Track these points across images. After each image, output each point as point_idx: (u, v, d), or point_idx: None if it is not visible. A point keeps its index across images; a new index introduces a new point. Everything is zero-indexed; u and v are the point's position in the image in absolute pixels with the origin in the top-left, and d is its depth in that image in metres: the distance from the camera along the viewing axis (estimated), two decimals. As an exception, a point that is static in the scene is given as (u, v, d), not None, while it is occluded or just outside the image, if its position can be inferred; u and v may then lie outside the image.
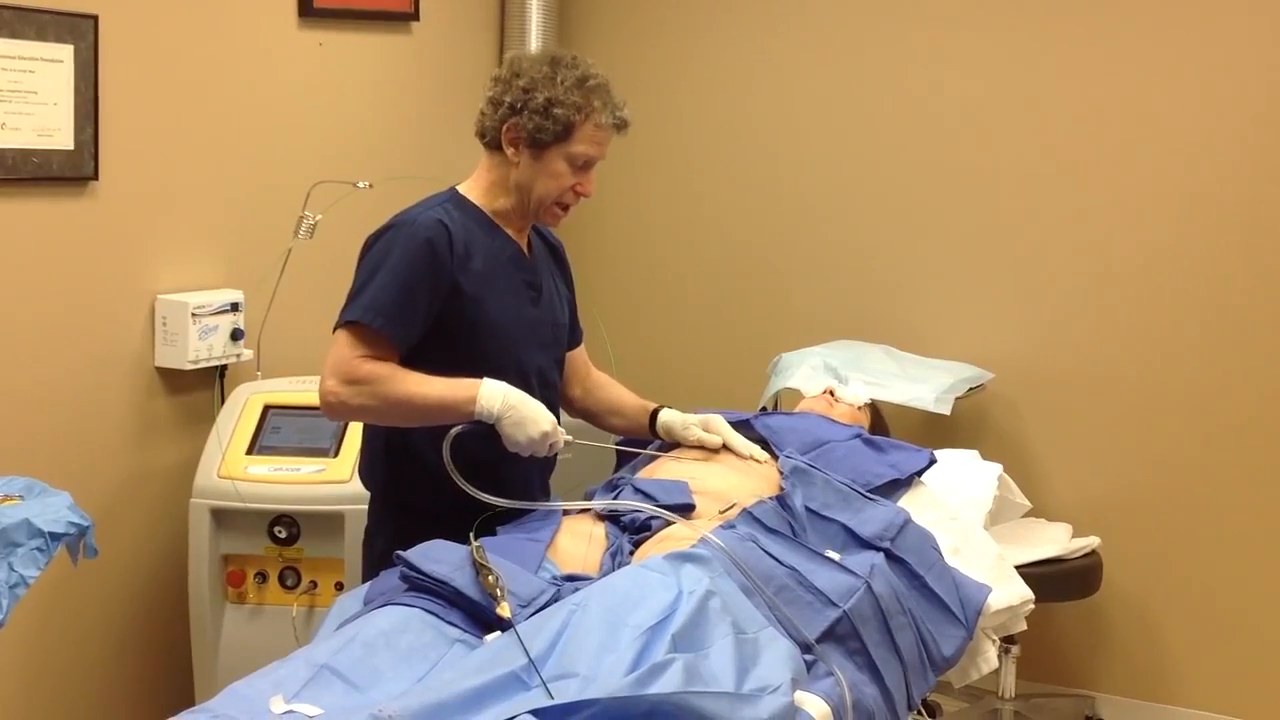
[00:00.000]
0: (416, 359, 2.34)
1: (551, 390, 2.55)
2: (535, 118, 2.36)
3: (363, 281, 2.34)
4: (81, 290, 3.16)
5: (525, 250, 2.52)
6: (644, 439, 2.68)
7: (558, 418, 2.53)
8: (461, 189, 2.48)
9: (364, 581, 2.32)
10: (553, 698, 1.60)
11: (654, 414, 2.64)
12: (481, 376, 2.33)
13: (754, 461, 2.52)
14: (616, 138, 2.46)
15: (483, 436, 2.30)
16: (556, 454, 2.40)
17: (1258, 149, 3.67)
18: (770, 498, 2.30)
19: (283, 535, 3.10)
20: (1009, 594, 2.47)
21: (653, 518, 2.22)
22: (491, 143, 2.44)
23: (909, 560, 2.25)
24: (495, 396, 2.28)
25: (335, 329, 2.34)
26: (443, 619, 1.87)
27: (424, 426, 2.34)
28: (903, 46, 4.10)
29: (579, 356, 2.72)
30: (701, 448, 2.56)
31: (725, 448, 2.56)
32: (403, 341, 2.33)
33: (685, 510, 2.27)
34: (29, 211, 3.04)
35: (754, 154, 4.34)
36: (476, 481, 2.28)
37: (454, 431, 2.27)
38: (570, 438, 2.35)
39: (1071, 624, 3.95)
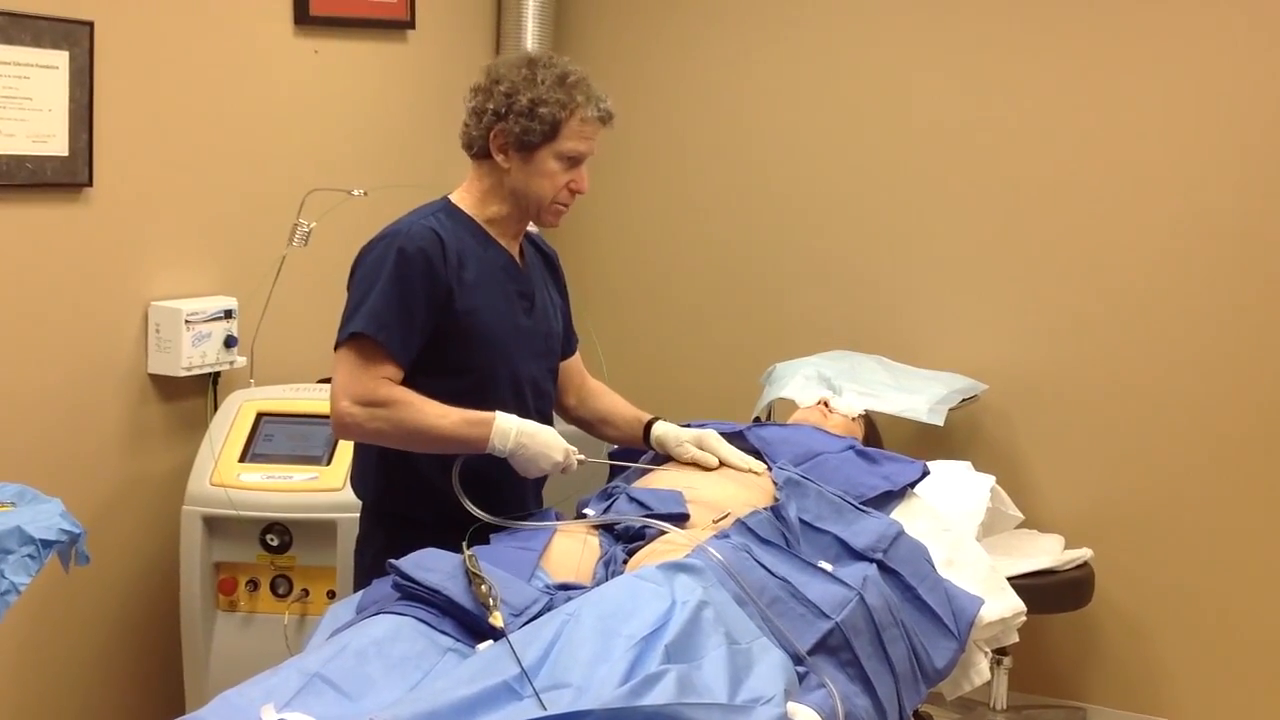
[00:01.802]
0: (411, 370, 2.34)
1: (545, 400, 2.55)
2: (521, 120, 2.35)
3: (361, 296, 2.33)
4: (75, 296, 3.16)
5: (518, 260, 2.51)
6: (637, 449, 2.68)
7: (551, 426, 2.54)
8: (453, 199, 2.47)
9: (356, 590, 2.32)
10: (545, 708, 1.60)
11: (648, 426, 2.64)
12: (475, 386, 2.34)
13: (752, 474, 2.52)
14: (611, 142, 2.46)
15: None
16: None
17: (1251, 163, 3.68)
18: (764, 508, 2.30)
19: (275, 543, 3.10)
20: (1001, 606, 2.47)
21: (646, 527, 2.22)
22: (479, 152, 2.43)
23: (902, 572, 2.25)
24: (508, 434, 2.29)
25: (338, 346, 2.33)
26: (435, 628, 1.87)
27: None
28: (898, 58, 4.11)
29: (574, 365, 2.71)
30: (696, 466, 2.56)
31: (722, 464, 2.55)
32: (406, 354, 2.32)
33: (679, 520, 2.27)
34: (23, 217, 3.04)
35: (748, 163, 4.34)
36: (471, 490, 2.28)
37: (460, 460, 2.29)
38: (583, 457, 2.37)
39: (1063, 636, 3.95)
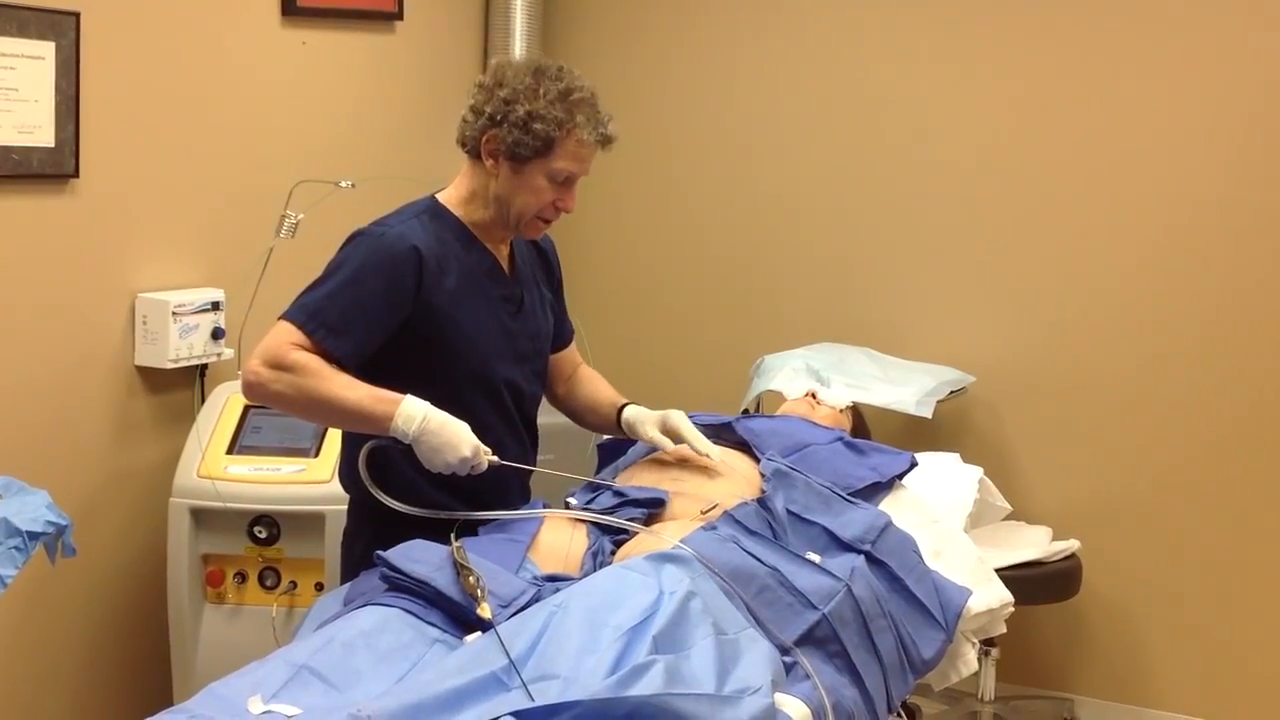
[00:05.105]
0: (383, 367, 2.29)
1: (528, 401, 2.50)
2: (515, 131, 2.28)
3: (317, 282, 2.29)
4: (61, 288, 3.15)
5: (505, 261, 2.47)
6: (626, 441, 2.67)
7: (534, 427, 2.52)
8: (441, 198, 2.43)
9: (343, 583, 2.31)
10: (533, 699, 1.60)
11: (620, 410, 2.60)
12: (452, 392, 2.27)
13: (723, 463, 2.48)
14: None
15: None
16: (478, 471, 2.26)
17: (1241, 156, 3.68)
18: (752, 500, 2.30)
19: (262, 535, 3.09)
20: (989, 597, 2.48)
21: (634, 518, 2.23)
22: (472, 152, 2.37)
23: (889, 563, 2.25)
24: (413, 418, 2.17)
25: (280, 317, 2.28)
26: (423, 619, 1.87)
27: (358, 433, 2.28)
28: (883, 52, 4.11)
29: (566, 356, 2.67)
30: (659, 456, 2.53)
31: (701, 453, 2.54)
32: (344, 356, 2.26)
33: (655, 505, 2.28)
34: (8, 209, 3.02)
35: (737, 156, 4.34)
36: (452, 486, 2.26)
37: (369, 446, 2.22)
38: (495, 459, 2.23)
39: (1051, 627, 3.97)
